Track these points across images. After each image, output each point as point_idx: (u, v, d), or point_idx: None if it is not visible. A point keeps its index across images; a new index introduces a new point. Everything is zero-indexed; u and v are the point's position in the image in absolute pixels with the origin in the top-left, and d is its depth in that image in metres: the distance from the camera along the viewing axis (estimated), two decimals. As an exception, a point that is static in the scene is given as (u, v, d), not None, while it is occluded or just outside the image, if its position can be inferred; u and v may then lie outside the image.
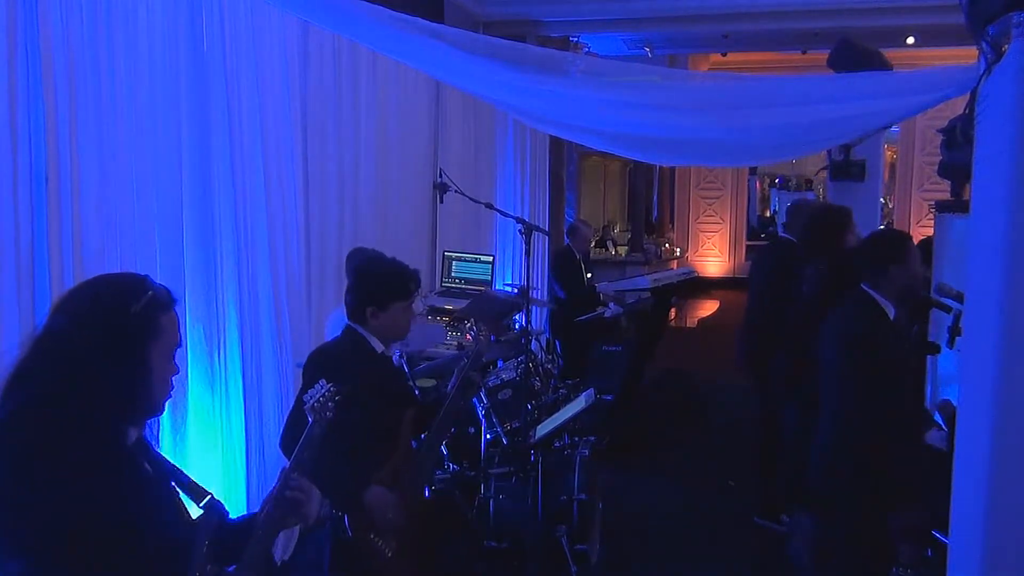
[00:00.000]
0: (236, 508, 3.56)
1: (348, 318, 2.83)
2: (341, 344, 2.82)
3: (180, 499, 1.64)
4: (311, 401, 1.83)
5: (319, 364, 2.70)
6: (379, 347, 2.82)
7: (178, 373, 1.62)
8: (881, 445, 2.85)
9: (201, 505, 1.62)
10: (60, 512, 1.37)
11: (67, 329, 1.47)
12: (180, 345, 1.61)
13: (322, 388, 1.86)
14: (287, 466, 1.75)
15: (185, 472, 1.69)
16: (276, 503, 1.69)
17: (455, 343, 4.63)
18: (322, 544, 2.67)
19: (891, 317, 2.96)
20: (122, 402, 1.50)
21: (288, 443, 2.63)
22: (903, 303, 3.01)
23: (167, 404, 1.60)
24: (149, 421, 1.60)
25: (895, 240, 3.12)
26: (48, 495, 1.37)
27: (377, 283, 2.83)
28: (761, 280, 4.77)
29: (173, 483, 1.63)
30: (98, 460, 1.44)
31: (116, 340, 1.48)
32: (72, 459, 1.40)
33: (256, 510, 1.76)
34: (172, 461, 1.69)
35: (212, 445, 3.48)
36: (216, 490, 3.51)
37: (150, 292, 1.53)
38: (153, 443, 1.64)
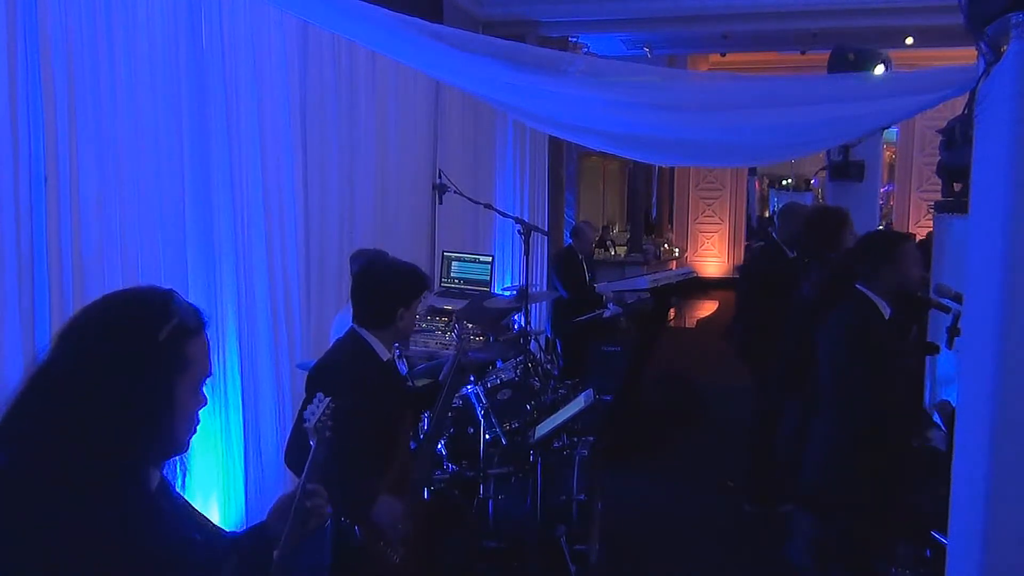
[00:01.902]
0: (235, 513, 3.56)
1: (362, 325, 2.69)
2: (342, 356, 2.69)
3: (198, 545, 1.46)
4: (312, 420, 1.74)
5: (324, 382, 2.53)
6: (384, 354, 2.70)
7: (206, 404, 1.38)
8: (880, 443, 2.85)
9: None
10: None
11: (75, 363, 1.24)
12: (210, 374, 1.37)
13: (320, 404, 1.77)
14: (297, 486, 1.63)
15: (205, 515, 1.55)
16: (296, 514, 1.56)
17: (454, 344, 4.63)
18: (324, 548, 2.64)
19: (886, 316, 2.97)
20: (143, 448, 1.28)
21: (293, 459, 2.51)
22: (897, 303, 3.02)
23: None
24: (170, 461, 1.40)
25: (887, 240, 3.13)
26: (59, 561, 1.15)
27: (402, 281, 2.74)
28: (757, 283, 4.77)
29: (193, 528, 1.46)
30: (118, 516, 1.22)
31: (135, 378, 1.23)
32: (86, 517, 1.19)
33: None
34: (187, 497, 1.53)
35: (212, 448, 3.48)
36: (215, 495, 3.52)
37: (176, 319, 1.28)
38: (173, 483, 1.43)
